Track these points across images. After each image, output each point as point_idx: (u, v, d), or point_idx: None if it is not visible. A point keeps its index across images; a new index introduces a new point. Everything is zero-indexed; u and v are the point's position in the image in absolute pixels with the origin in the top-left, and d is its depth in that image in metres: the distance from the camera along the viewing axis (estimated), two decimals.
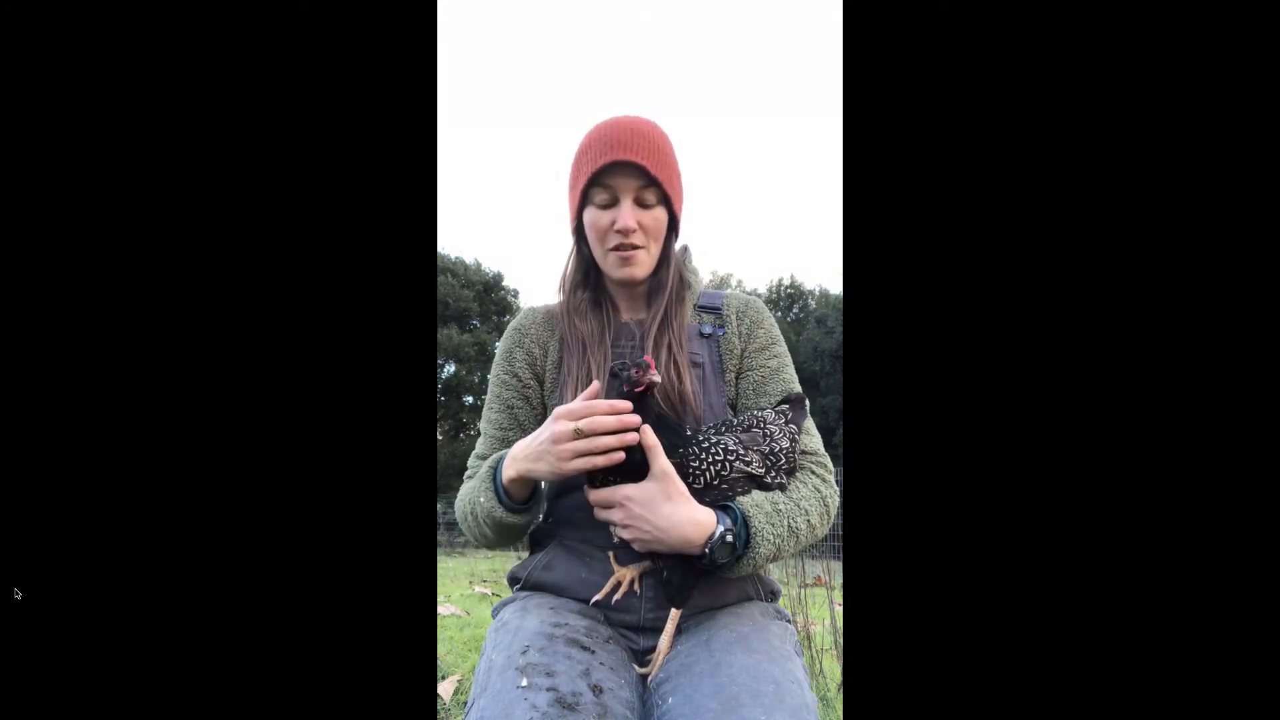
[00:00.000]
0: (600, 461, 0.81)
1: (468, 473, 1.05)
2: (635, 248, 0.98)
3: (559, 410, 0.83)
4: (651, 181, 0.97)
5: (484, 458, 1.04)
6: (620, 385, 0.84)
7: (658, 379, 0.82)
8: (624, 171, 0.96)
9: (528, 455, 0.86)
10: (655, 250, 1.02)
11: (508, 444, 1.02)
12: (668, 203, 1.01)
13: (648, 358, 0.85)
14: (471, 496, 0.95)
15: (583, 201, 1.00)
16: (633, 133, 0.98)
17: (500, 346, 1.08)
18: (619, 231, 0.97)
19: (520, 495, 0.91)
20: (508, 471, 0.89)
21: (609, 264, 1.01)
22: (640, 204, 0.98)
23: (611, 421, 0.80)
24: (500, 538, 0.97)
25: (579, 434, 0.80)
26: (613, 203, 0.98)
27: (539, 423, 1.03)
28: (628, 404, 0.81)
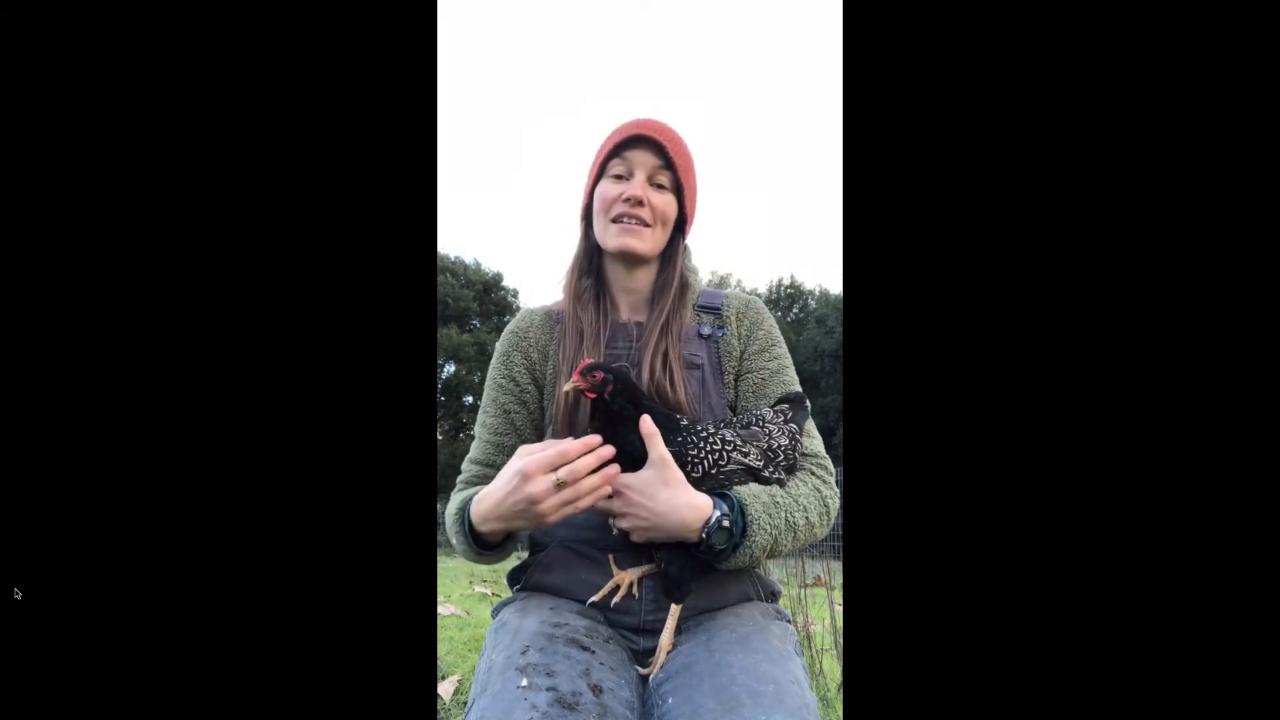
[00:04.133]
0: (586, 503, 0.79)
1: (461, 477, 1.04)
2: (641, 223, 0.99)
3: (529, 464, 0.78)
4: (668, 165, 1.00)
5: (479, 463, 1.03)
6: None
7: (581, 385, 0.83)
8: (642, 148, 1.00)
9: (502, 514, 0.83)
10: (660, 236, 1.02)
11: (504, 450, 1.02)
12: (680, 196, 1.02)
13: (586, 361, 0.86)
14: (450, 527, 0.95)
15: (599, 176, 1.03)
16: (659, 124, 1.02)
17: (498, 349, 1.07)
18: (626, 200, 0.98)
19: (495, 541, 0.91)
20: (480, 527, 0.87)
21: (609, 235, 1.00)
22: (653, 184, 1.00)
23: (590, 461, 0.79)
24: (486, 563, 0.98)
25: (561, 486, 0.78)
26: (626, 176, 1.00)
27: (536, 429, 1.03)
28: (597, 438, 0.80)
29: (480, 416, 1.06)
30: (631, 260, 1.02)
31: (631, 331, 1.03)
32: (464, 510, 0.91)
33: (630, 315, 1.05)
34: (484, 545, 0.91)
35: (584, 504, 0.79)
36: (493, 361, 1.08)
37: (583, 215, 1.07)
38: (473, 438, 1.08)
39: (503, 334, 1.09)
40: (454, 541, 0.94)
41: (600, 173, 1.03)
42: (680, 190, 1.02)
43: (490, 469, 1.02)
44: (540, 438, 1.03)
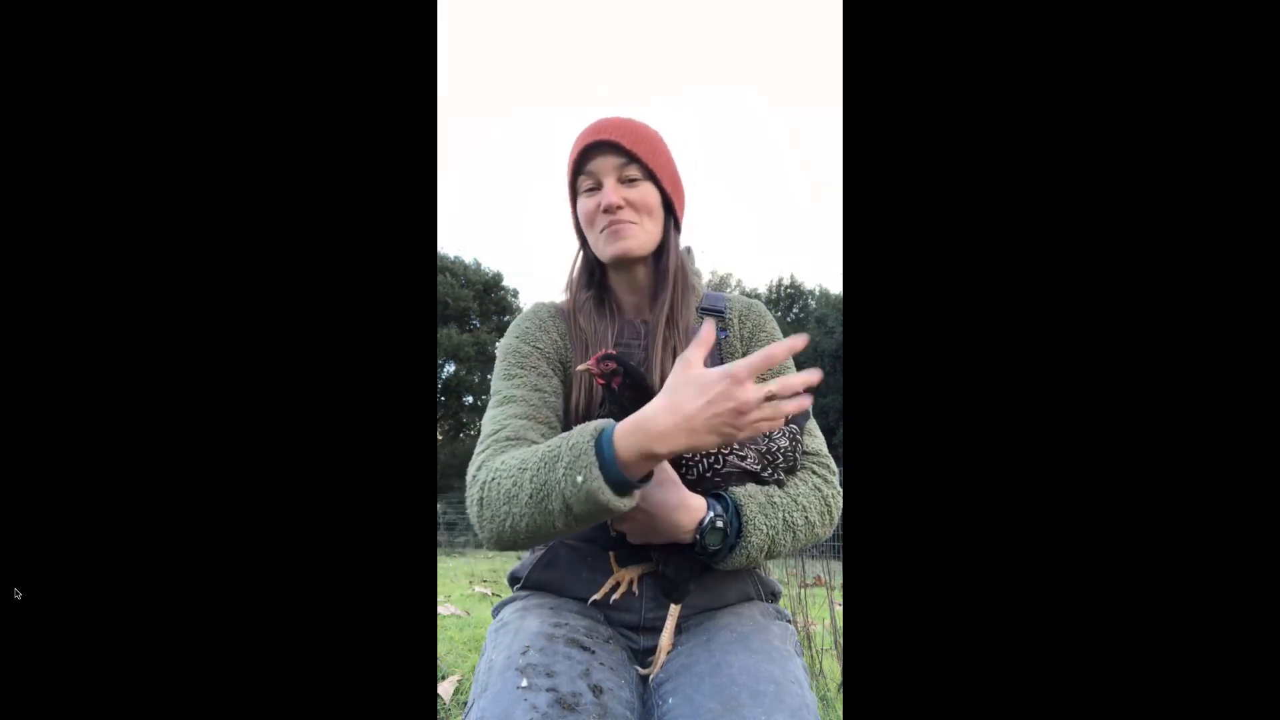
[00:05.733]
0: (780, 422, 0.72)
1: (501, 433, 0.88)
2: (625, 223, 0.98)
3: (738, 369, 0.69)
4: (631, 159, 0.98)
5: (521, 417, 0.91)
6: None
7: (594, 369, 0.84)
8: (602, 152, 0.98)
9: (693, 426, 0.70)
10: (652, 229, 1.00)
11: (547, 407, 0.94)
12: (656, 182, 1.00)
13: (605, 350, 0.86)
14: (550, 476, 0.74)
15: (574, 195, 1.03)
16: (610, 121, 1.01)
17: (513, 329, 1.04)
18: (605, 210, 0.97)
19: (639, 475, 0.74)
20: (652, 447, 0.71)
21: (601, 245, 1.00)
22: (624, 182, 0.99)
23: (801, 379, 0.71)
24: (571, 527, 0.76)
25: (770, 398, 0.69)
26: (597, 187, 0.99)
27: (562, 402, 0.98)
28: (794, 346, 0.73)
29: (503, 384, 0.96)
30: (629, 262, 1.01)
31: (638, 329, 1.03)
32: (601, 438, 0.73)
33: (635, 314, 1.06)
34: (622, 487, 0.73)
35: (779, 423, 0.73)
36: (509, 340, 1.03)
37: (575, 231, 1.06)
38: (473, 437, 1.05)
39: (516, 321, 1.06)
40: (575, 484, 0.72)
41: (575, 190, 1.02)
42: (654, 175, 1.00)
43: (533, 423, 0.90)
44: (564, 423, 0.97)
